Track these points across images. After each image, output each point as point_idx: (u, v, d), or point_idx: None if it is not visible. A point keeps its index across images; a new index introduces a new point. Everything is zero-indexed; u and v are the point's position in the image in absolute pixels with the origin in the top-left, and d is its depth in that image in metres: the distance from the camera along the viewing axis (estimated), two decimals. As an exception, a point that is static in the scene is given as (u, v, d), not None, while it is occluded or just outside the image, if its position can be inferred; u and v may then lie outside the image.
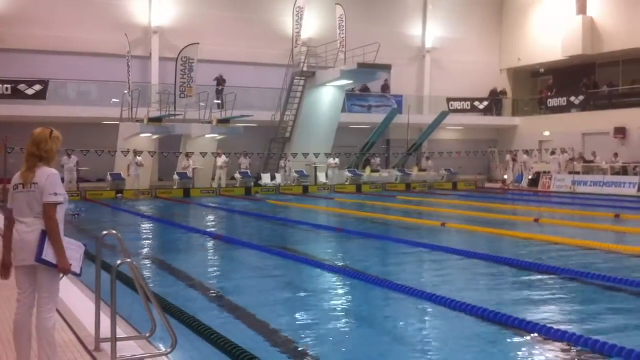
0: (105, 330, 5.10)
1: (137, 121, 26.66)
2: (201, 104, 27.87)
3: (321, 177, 30.35)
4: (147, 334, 5.46)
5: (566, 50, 33.88)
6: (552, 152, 30.56)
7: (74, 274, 4.70)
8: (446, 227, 15.08)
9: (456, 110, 35.12)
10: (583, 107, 33.52)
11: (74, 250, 4.66)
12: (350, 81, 29.86)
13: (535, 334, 6.34)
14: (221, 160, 27.75)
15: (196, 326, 6.18)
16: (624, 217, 17.31)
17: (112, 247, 9.46)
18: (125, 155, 26.06)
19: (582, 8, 33.74)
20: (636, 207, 19.46)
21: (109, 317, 4.95)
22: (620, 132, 30.51)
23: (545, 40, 35.33)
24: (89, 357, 5.16)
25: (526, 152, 32.24)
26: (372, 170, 32.01)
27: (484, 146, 35.75)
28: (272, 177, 29.65)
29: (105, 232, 5.68)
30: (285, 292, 8.79)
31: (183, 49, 28.11)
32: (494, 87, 37.61)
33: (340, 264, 10.65)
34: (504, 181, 30.57)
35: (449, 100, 35.17)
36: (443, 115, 32.51)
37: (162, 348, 5.34)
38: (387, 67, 29.48)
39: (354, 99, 33.78)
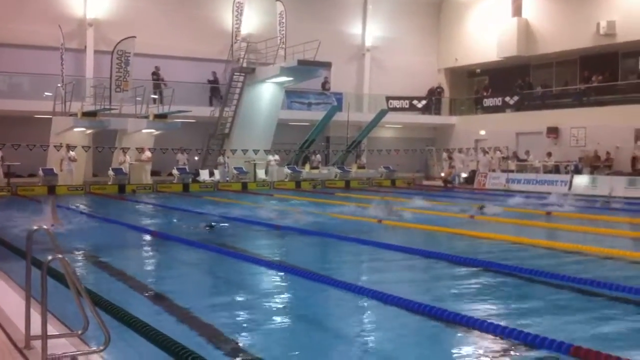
0: (36, 328, 4.93)
1: (70, 115, 26.00)
2: (138, 98, 27.38)
3: (260, 174, 30.23)
4: (80, 332, 5.30)
5: (502, 51, 34.65)
6: (486, 152, 31.28)
7: None
8: (383, 224, 15.19)
9: (395, 109, 35.50)
10: (518, 107, 34.36)
11: None
12: (291, 78, 29.81)
13: (471, 328, 6.43)
14: (144, 155, 27.28)
15: (131, 322, 6.03)
16: (555, 215, 17.77)
17: (43, 243, 9.16)
18: (58, 150, 25.38)
19: (517, 10, 34.59)
20: (567, 205, 20.01)
21: (40, 314, 4.79)
22: (553, 132, 31.38)
23: (481, 42, 36.05)
24: (19, 356, 4.97)
25: (460, 150, 32.86)
26: (312, 168, 32.08)
27: (422, 144, 36.25)
28: (211, 174, 29.38)
29: (35, 227, 5.49)
30: (223, 289, 8.71)
31: (119, 42, 27.59)
32: (432, 86, 38.17)
33: (279, 260, 10.59)
34: (446, 180, 31.05)
35: (388, 98, 35.51)
36: (382, 113, 32.82)
37: (95, 345, 5.18)
38: (327, 65, 29.59)
39: (293, 96, 33.74)
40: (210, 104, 31.32)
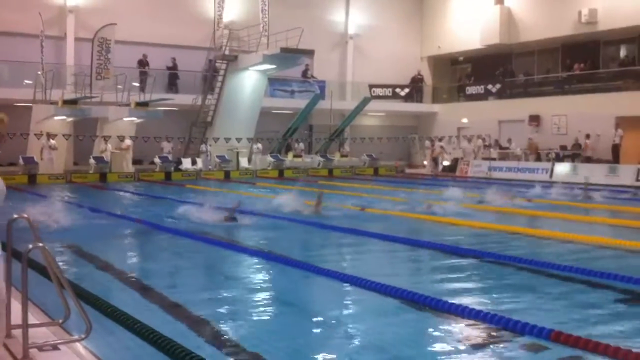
0: (16, 317, 4.89)
1: (51, 103, 25.76)
2: (119, 86, 27.16)
3: (243, 163, 30.13)
4: (61, 321, 5.27)
5: (484, 39, 34.73)
6: (470, 140, 31.43)
7: None
8: (365, 212, 15.19)
9: (378, 97, 35.52)
10: (500, 95, 34.51)
11: None
12: (273, 66, 29.67)
13: (453, 314, 6.48)
14: (124, 144, 27.11)
15: (109, 311, 6.01)
16: (536, 202, 17.87)
17: (24, 232, 9.07)
18: (38, 139, 25.15)
19: (500, -2, 34.68)
20: (549, 193, 20.16)
21: (20, 303, 4.75)
22: (535, 119, 31.58)
23: (464, 30, 36.09)
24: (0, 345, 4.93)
25: (441, 139, 32.96)
26: (295, 156, 32.02)
27: (404, 132, 36.33)
28: (193, 162, 29.25)
29: (16, 216, 5.43)
30: (206, 277, 8.70)
31: (100, 29, 27.35)
32: (415, 74, 38.20)
33: (262, 248, 10.58)
34: (435, 159, 31.30)
35: (371, 86, 35.52)
36: (365, 101, 32.80)
37: (77, 334, 5.15)
38: (310, 53, 29.50)
39: (276, 84, 33.64)
40: (170, 90, 30.79)
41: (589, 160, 27.59)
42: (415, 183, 25.55)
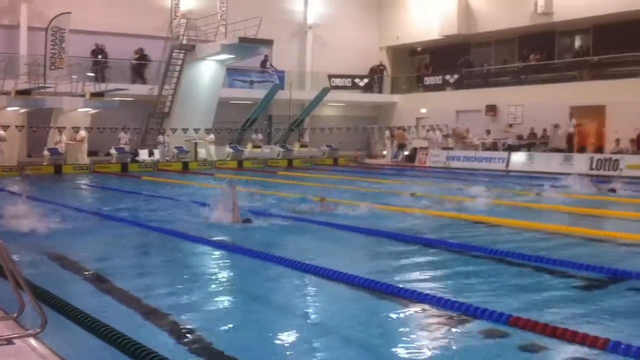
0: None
1: (3, 94, 25.18)
2: (74, 76, 26.64)
3: (202, 154, 29.85)
4: (15, 315, 5.15)
5: (442, 30, 34.97)
6: (432, 129, 31.70)
7: None
8: (326, 202, 15.19)
9: (337, 87, 35.54)
10: (458, 85, 34.82)
11: None
12: (232, 56, 29.42)
13: (413, 301, 6.54)
14: (79, 135, 26.65)
15: (64, 308, 5.87)
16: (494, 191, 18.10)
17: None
18: (-10, 130, 24.56)
19: (457, -11, 34.89)
20: (504, 182, 20.45)
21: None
22: (492, 109, 31.96)
23: (423, 20, 36.26)
24: (-50, 341, 4.79)
25: (403, 129, 33.15)
26: (254, 147, 31.85)
27: (364, 123, 36.44)
28: (151, 153, 28.87)
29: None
30: (166, 270, 8.59)
31: (54, 18, 26.78)
32: (374, 64, 38.30)
33: (222, 239, 10.50)
34: (402, 144, 31.55)
35: (330, 77, 35.50)
36: (324, 92, 32.75)
37: (32, 328, 5.04)
38: (269, 43, 29.29)
39: (235, 74, 33.35)
40: (97, 80, 29.78)
41: (544, 149, 28.04)
42: (376, 173, 25.68)
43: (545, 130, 28.96)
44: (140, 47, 30.70)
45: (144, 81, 30.88)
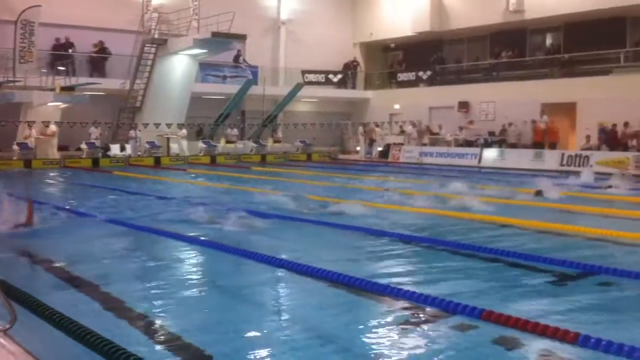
0: None
1: (-29, 87, 24.71)
2: (43, 70, 26.24)
3: (174, 149, 29.61)
4: (-17, 311, 5.04)
5: (415, 27, 35.11)
6: (413, 125, 31.77)
7: None
8: (303, 198, 15.13)
9: (311, 83, 35.48)
10: (431, 82, 34.98)
11: None
12: (204, 50, 29.20)
13: (385, 295, 6.56)
14: (49, 129, 26.30)
15: (31, 303, 5.79)
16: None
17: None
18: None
19: (430, -14, 35.03)
20: (477, 178, 20.58)
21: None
22: (464, 106, 32.16)
23: (396, 17, 36.38)
24: None
25: (376, 124, 33.24)
26: (227, 142, 31.69)
27: (337, 118, 36.44)
28: (122, 148, 28.57)
29: None
30: (135, 264, 8.50)
31: (23, 11, 26.36)
32: (347, 60, 38.31)
33: (193, 234, 10.42)
34: (372, 139, 31.65)
35: (304, 72, 35.44)
36: (298, 87, 32.69)
37: (0, 325, 4.94)
38: (242, 37, 29.16)
39: (208, 69, 33.13)
40: (67, 74, 29.58)
41: (514, 145, 28.27)
42: (350, 169, 25.71)
43: (504, 125, 29.13)
44: (101, 40, 30.20)
45: (102, 75, 30.34)
